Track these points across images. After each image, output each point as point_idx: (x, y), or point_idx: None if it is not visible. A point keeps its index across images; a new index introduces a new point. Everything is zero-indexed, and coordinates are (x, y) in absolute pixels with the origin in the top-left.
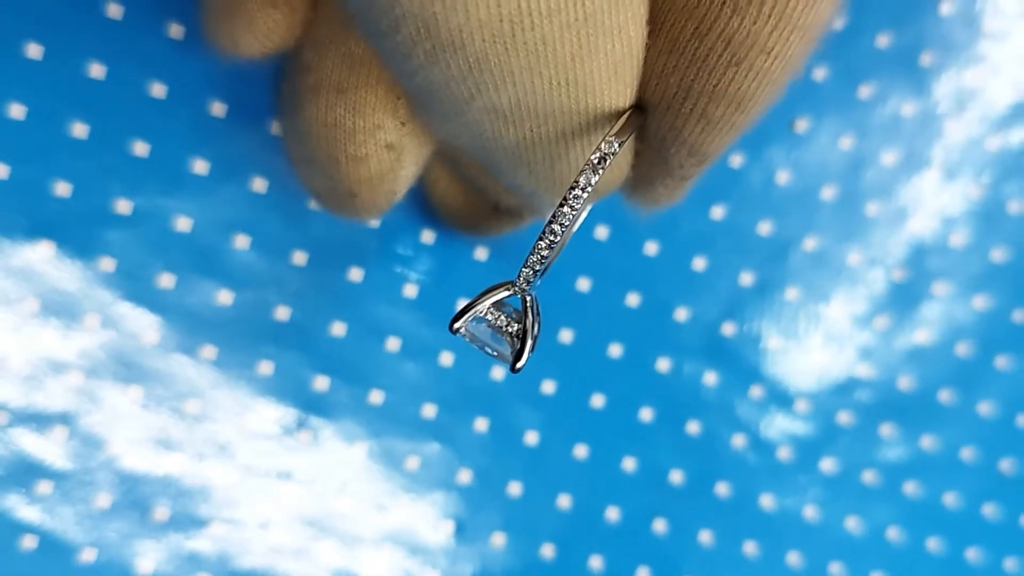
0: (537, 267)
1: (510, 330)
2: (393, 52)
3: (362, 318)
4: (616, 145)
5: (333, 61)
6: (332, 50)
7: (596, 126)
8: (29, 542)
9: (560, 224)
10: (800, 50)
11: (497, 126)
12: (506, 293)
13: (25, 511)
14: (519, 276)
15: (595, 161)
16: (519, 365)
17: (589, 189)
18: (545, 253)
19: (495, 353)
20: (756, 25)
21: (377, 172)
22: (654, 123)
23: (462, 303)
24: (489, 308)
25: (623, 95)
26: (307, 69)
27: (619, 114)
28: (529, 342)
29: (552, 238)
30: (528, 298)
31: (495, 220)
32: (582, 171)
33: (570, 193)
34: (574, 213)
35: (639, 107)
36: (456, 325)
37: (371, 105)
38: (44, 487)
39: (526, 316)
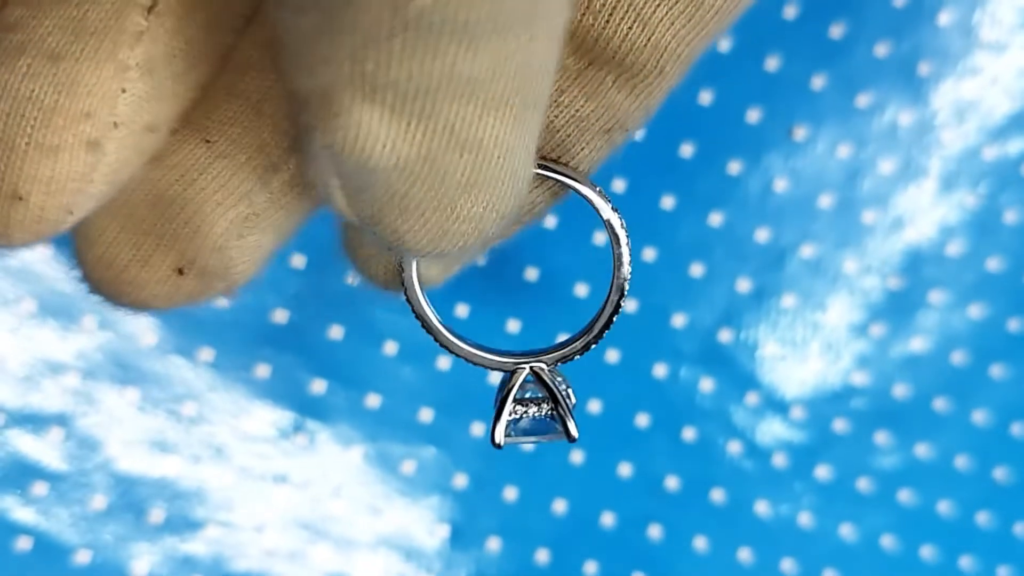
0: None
1: (544, 414)
2: None
3: (360, 322)
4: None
5: (55, 21)
6: (57, 9)
7: None
8: (24, 543)
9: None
10: None
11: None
12: (520, 379)
13: (20, 512)
14: (528, 363)
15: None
16: (573, 436)
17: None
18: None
19: (548, 438)
20: None
21: (63, 174)
22: None
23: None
24: (513, 407)
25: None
26: (14, 26)
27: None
28: (566, 412)
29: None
30: (542, 374)
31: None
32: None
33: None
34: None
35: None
36: (499, 440)
37: (88, 86)
38: (40, 488)
39: (550, 392)
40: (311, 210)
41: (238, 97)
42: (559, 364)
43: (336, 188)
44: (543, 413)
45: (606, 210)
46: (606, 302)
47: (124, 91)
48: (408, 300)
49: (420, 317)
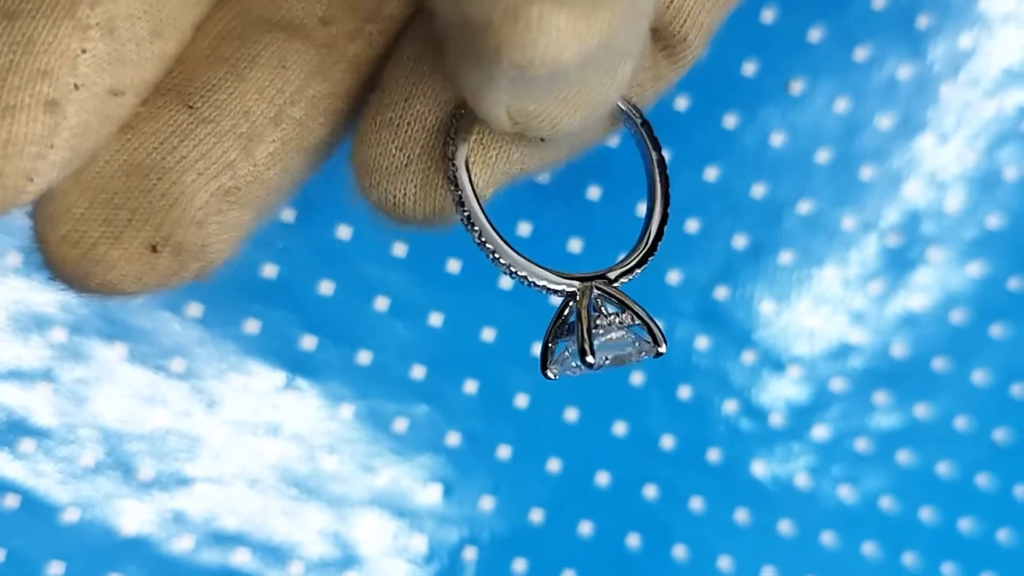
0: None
1: (616, 336)
2: None
3: (350, 277)
4: None
5: None
6: None
7: None
8: (11, 501)
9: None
10: None
11: None
12: (586, 300)
13: (8, 469)
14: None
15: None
16: (662, 348)
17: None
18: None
19: (631, 356)
20: None
21: (20, 136)
22: None
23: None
24: (587, 328)
25: None
26: None
27: None
28: (650, 320)
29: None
30: (612, 291)
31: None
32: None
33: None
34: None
35: None
36: (591, 360)
37: (46, 44)
38: (27, 445)
39: (628, 307)
40: (293, 187)
41: (222, 63)
42: (621, 281)
43: (504, 104)
44: (616, 335)
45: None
46: (651, 213)
47: (84, 51)
48: (463, 211)
49: (478, 228)
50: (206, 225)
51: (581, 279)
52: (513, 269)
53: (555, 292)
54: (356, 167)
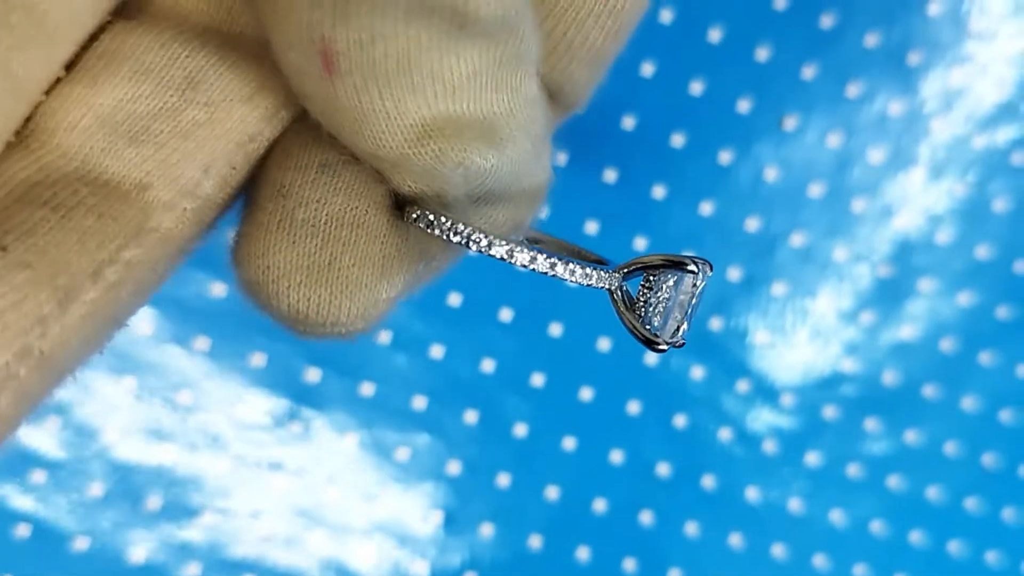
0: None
1: (658, 288)
2: None
3: None
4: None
5: None
6: None
7: None
8: (23, 531)
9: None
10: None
11: None
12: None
13: (19, 500)
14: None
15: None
16: (697, 269)
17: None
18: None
19: (690, 298)
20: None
21: None
22: None
23: (455, 298)
24: (640, 321)
25: None
26: None
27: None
28: (673, 262)
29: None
30: (649, 261)
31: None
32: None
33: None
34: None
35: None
36: (664, 346)
37: None
38: (38, 476)
39: (672, 263)
40: (77, 369)
41: (40, 205)
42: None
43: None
44: (662, 296)
45: None
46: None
47: None
48: (483, 240)
49: (507, 244)
50: (3, 392)
51: (610, 280)
52: (554, 273)
53: (604, 284)
54: (262, 276)
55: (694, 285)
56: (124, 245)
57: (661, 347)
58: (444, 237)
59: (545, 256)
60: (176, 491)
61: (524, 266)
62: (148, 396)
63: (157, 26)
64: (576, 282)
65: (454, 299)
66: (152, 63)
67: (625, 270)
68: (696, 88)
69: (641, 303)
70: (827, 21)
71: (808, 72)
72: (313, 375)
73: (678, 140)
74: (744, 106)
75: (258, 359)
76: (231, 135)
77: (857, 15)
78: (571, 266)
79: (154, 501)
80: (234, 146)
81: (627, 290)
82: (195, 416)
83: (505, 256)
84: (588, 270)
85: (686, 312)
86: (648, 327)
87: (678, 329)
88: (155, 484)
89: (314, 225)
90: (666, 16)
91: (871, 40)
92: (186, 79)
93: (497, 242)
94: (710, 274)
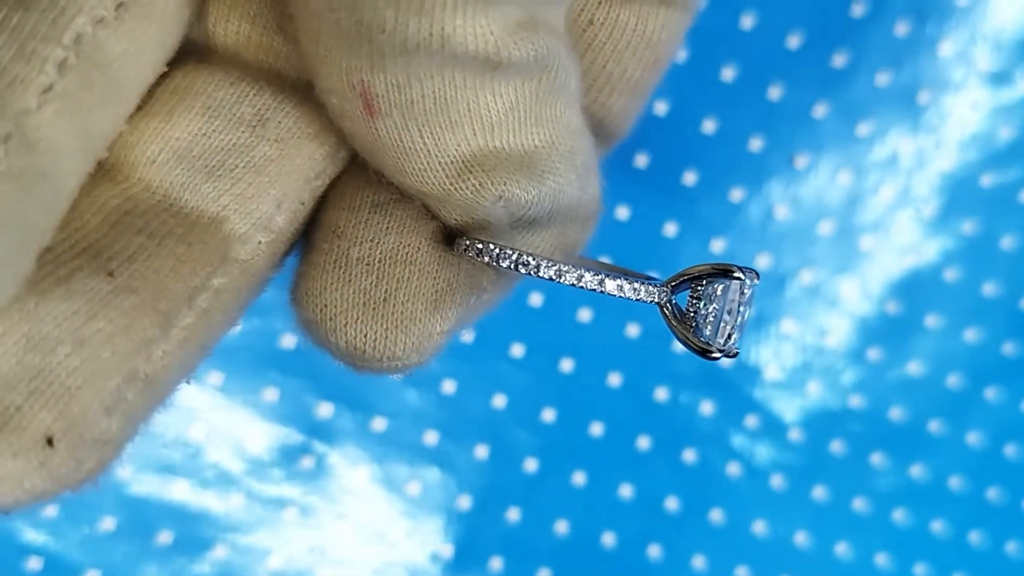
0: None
1: (707, 299)
2: None
3: None
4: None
5: None
6: None
7: None
8: (34, 564)
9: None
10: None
11: None
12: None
13: (30, 533)
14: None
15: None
16: (744, 276)
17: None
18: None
19: (739, 305)
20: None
21: None
22: None
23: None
24: (691, 331)
25: None
26: None
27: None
28: (717, 271)
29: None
30: (693, 272)
31: None
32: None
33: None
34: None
35: None
36: (717, 355)
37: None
38: (50, 510)
39: (719, 270)
40: (175, 389)
41: (136, 232)
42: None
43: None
44: (712, 307)
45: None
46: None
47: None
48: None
49: (555, 265)
50: (114, 414)
51: (659, 294)
52: (602, 289)
53: (651, 299)
54: (319, 314)
55: (742, 293)
56: (213, 273)
57: (715, 355)
58: (494, 264)
59: (593, 273)
60: (187, 526)
61: (573, 284)
62: (160, 430)
63: (224, 67)
64: (625, 297)
65: (466, 335)
66: (223, 99)
67: (672, 283)
68: (708, 126)
69: (691, 314)
70: (839, 61)
71: (819, 111)
72: (325, 410)
73: (690, 177)
74: (756, 144)
75: (270, 394)
76: (300, 171)
77: (869, 55)
78: (619, 281)
79: (165, 535)
80: (303, 182)
81: (676, 303)
82: (207, 451)
83: (554, 276)
84: (636, 284)
85: (736, 320)
86: (701, 338)
87: (730, 337)
88: (166, 519)
89: (368, 263)
90: (679, 55)
91: (882, 79)
92: (256, 116)
93: (545, 264)
94: (757, 282)
